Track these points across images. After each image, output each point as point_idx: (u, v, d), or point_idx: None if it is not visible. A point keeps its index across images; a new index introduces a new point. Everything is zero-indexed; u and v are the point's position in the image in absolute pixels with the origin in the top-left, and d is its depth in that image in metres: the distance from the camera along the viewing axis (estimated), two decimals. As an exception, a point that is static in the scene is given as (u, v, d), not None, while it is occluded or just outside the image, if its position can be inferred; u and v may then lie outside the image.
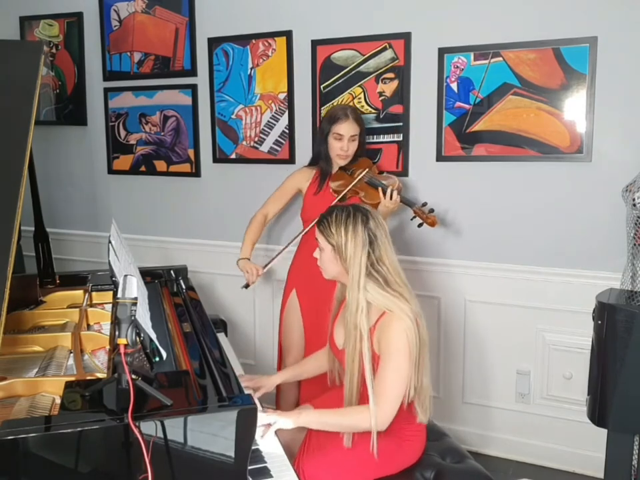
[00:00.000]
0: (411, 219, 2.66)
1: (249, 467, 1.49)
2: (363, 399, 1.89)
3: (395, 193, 2.56)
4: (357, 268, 1.87)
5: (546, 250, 2.73)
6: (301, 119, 3.10)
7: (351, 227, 1.90)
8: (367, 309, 1.86)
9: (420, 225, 2.62)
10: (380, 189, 2.59)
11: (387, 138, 2.91)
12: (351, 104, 2.94)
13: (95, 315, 2.24)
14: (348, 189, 2.66)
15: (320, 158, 2.78)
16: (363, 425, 1.82)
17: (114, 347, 1.69)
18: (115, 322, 1.80)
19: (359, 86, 2.93)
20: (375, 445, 1.82)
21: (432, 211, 2.60)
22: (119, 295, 1.51)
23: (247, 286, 2.78)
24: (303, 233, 2.73)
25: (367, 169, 2.69)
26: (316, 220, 2.03)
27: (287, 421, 1.83)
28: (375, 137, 2.93)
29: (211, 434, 1.44)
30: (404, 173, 2.90)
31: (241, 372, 2.26)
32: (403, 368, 1.81)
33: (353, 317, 1.86)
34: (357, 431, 1.87)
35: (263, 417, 1.80)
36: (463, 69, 2.75)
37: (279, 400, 2.84)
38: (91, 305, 2.37)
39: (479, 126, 2.75)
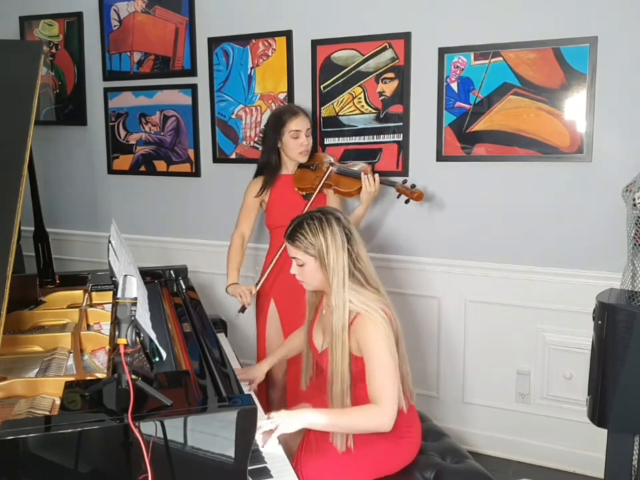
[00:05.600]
0: (397, 197, 2.69)
1: (249, 467, 1.49)
2: (355, 399, 1.89)
3: (375, 176, 2.59)
4: (341, 272, 1.87)
5: (546, 250, 2.72)
6: (301, 119, 3.10)
7: (329, 231, 1.88)
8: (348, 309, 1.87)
9: (407, 202, 2.66)
10: (356, 177, 2.62)
11: (387, 138, 2.91)
12: (351, 104, 2.94)
13: (94, 315, 2.24)
14: (322, 182, 2.65)
15: (265, 168, 2.75)
16: (369, 425, 1.83)
17: (114, 347, 1.69)
18: (115, 322, 1.81)
19: (359, 86, 2.93)
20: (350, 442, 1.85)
21: (414, 186, 2.65)
22: (119, 295, 1.51)
23: (243, 309, 2.69)
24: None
25: (332, 161, 2.69)
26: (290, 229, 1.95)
27: (290, 424, 1.78)
28: (375, 137, 2.93)
29: (210, 434, 1.44)
30: (404, 172, 2.89)
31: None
32: (388, 363, 1.82)
33: (341, 320, 1.86)
34: (363, 432, 1.86)
35: (265, 423, 1.77)
36: (463, 69, 2.74)
37: (267, 387, 2.82)
38: (91, 305, 2.37)
39: (479, 126, 2.75)
